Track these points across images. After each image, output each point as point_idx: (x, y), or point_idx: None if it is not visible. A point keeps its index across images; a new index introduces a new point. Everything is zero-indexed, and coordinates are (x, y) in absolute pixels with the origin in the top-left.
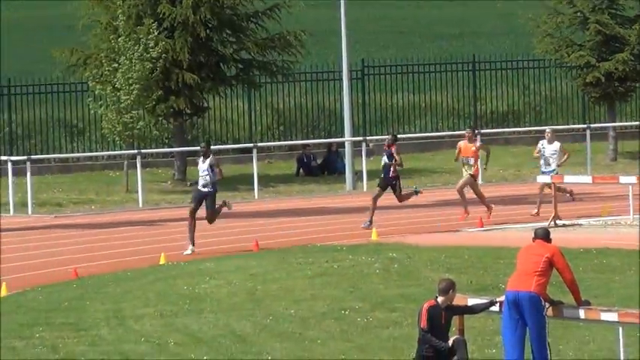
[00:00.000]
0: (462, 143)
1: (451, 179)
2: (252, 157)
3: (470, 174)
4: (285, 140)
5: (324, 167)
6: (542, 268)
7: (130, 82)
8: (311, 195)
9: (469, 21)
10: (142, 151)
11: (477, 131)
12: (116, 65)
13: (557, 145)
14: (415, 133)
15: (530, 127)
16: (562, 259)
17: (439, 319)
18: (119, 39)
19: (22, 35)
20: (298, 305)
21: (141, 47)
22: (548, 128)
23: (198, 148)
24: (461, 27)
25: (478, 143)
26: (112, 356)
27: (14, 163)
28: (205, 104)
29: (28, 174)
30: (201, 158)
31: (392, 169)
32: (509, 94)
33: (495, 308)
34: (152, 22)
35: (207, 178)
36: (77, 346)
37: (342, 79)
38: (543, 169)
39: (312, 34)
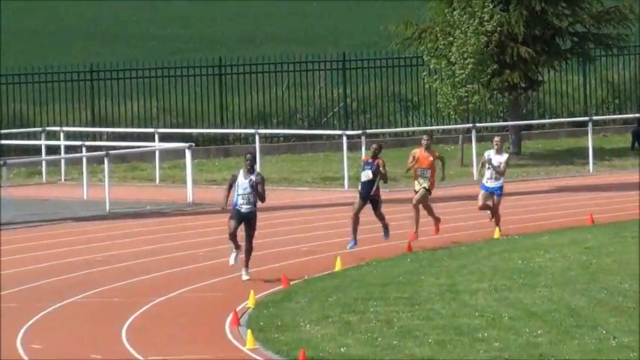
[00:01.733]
0: (417, 151)
1: None
2: (587, 130)
3: (425, 187)
4: (619, 114)
5: None
6: None
7: (465, 55)
8: None
9: None
10: (477, 125)
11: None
12: (451, 39)
13: (505, 156)
14: None
15: None
16: None
17: None
18: (454, 12)
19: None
20: (633, 280)
21: (476, 21)
22: (497, 137)
23: (533, 122)
24: None
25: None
26: (446, 331)
27: (349, 137)
28: (540, 78)
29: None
30: (242, 170)
31: (376, 185)
32: None
33: None
34: None
35: (249, 196)
36: (411, 320)
37: None
38: (488, 185)
39: None
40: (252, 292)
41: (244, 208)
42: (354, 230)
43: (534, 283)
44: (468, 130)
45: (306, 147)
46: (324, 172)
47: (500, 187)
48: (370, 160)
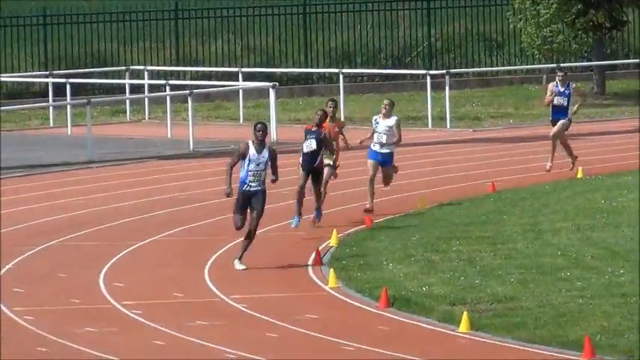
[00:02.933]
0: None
1: None
2: None
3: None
4: None
5: None
6: None
7: None
8: None
9: None
10: (561, 65)
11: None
12: None
13: (393, 119)
14: None
15: None
16: None
17: None
18: None
19: None
20: None
21: None
22: (386, 100)
23: (617, 62)
24: None
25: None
26: (529, 270)
27: (433, 77)
28: (625, 17)
29: (447, 88)
30: (252, 143)
31: (320, 157)
32: None
33: None
34: None
35: (261, 173)
36: (494, 259)
37: None
38: (376, 149)
39: None
40: (334, 231)
41: (253, 187)
42: (299, 206)
43: (617, 223)
44: (552, 70)
45: (389, 87)
46: (407, 112)
47: (390, 155)
48: (314, 129)
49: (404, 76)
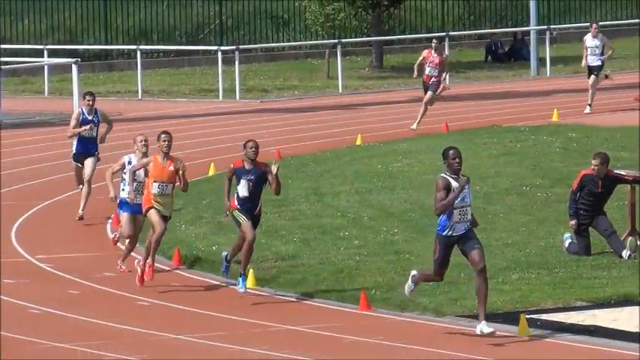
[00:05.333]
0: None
1: (628, 65)
2: (445, 45)
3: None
4: (475, 29)
5: (510, 54)
6: None
7: None
8: (497, 80)
9: None
10: (342, 40)
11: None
12: None
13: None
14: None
15: None
16: None
17: (594, 186)
18: None
19: None
20: (483, 182)
21: None
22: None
23: (394, 37)
24: None
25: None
26: (310, 230)
27: (224, 52)
28: None
29: (237, 62)
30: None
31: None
32: None
33: None
34: None
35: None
36: (278, 220)
37: None
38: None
39: None
40: None
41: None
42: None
43: (392, 186)
44: (334, 46)
45: (184, 62)
46: (200, 85)
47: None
48: (250, 167)
49: (197, 51)
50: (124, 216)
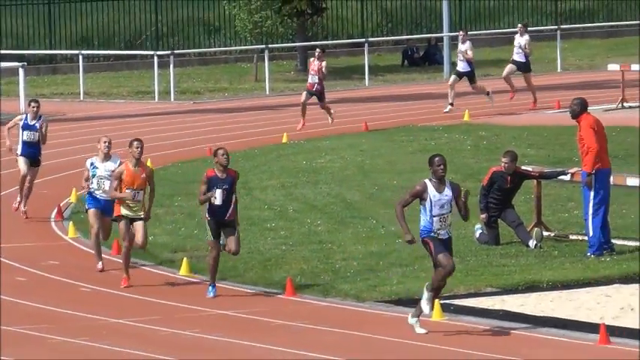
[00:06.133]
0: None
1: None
2: (364, 50)
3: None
4: (392, 36)
5: (425, 59)
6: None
7: None
8: (413, 82)
9: None
10: (269, 46)
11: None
12: None
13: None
14: (503, 28)
15: (603, 22)
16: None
17: (503, 182)
18: None
19: None
20: (400, 177)
21: None
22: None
23: (317, 43)
24: None
25: None
26: (240, 221)
27: (159, 57)
28: (324, 5)
29: (171, 66)
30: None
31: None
32: None
33: (566, 177)
34: None
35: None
36: None
37: None
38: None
39: None
40: (74, 189)
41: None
42: (214, 272)
43: (316, 181)
44: (262, 51)
45: (122, 66)
46: (137, 87)
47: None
48: (223, 176)
49: (135, 56)
50: (91, 211)
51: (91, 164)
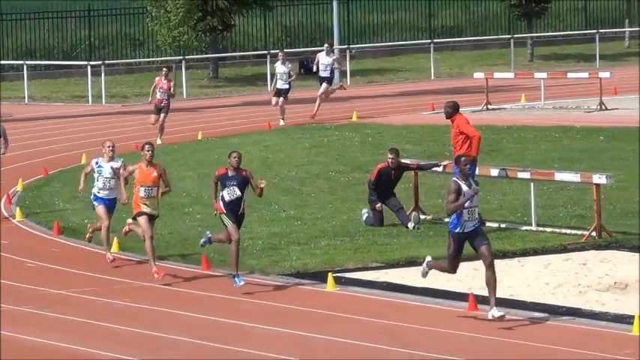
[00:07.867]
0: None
1: (410, 76)
2: (267, 60)
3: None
4: (291, 48)
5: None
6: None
7: (178, 6)
8: (308, 88)
9: None
10: (186, 57)
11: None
12: None
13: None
14: (385, 42)
15: (469, 37)
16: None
17: (389, 175)
18: None
19: None
20: (298, 169)
21: None
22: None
23: (227, 54)
24: None
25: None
26: (162, 206)
27: (92, 66)
28: (232, 22)
29: (103, 74)
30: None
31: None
32: (454, 12)
33: (439, 169)
34: None
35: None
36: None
37: (332, 2)
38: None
39: None
40: (20, 179)
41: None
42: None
43: None
44: (180, 61)
45: (61, 74)
46: (74, 92)
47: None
48: (232, 174)
49: (71, 66)
50: (100, 208)
51: (97, 163)
